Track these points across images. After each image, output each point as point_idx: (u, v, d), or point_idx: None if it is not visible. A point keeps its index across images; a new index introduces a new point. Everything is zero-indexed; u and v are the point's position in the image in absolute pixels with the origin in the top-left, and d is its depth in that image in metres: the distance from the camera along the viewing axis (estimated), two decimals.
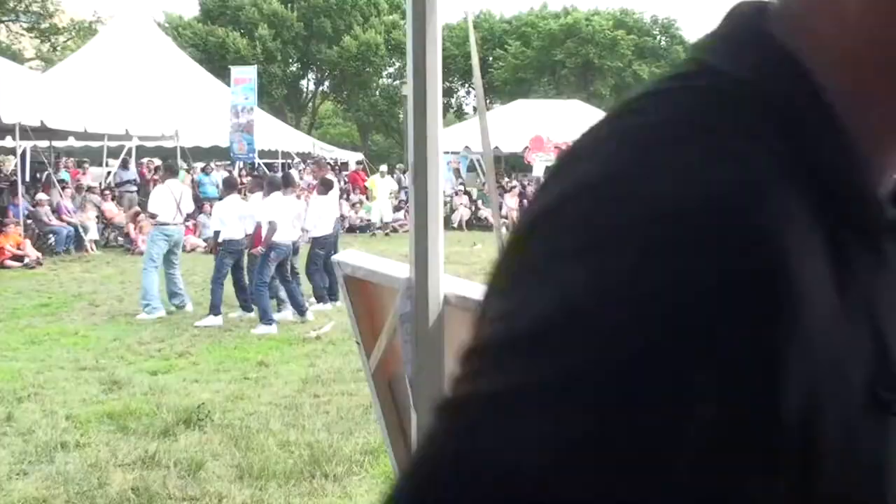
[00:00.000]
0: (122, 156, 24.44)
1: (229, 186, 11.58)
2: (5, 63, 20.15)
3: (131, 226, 18.72)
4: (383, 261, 2.75)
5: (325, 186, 11.76)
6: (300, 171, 25.86)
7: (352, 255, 2.84)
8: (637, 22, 47.65)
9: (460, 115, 51.99)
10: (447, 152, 23.17)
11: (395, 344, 2.55)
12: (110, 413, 6.54)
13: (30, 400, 6.94)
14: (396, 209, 25.41)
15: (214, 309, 10.25)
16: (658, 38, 48.25)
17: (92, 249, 18.25)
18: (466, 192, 26.13)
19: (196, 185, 23.48)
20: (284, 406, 6.79)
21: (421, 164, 2.13)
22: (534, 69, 45.70)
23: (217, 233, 10.76)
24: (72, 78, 25.20)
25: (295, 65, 50.43)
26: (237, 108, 24.40)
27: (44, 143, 21.76)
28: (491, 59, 46.86)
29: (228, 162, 27.39)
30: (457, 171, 27.79)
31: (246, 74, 25.03)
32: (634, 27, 46.50)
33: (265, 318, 9.95)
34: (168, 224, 11.02)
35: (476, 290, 2.28)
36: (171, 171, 11.53)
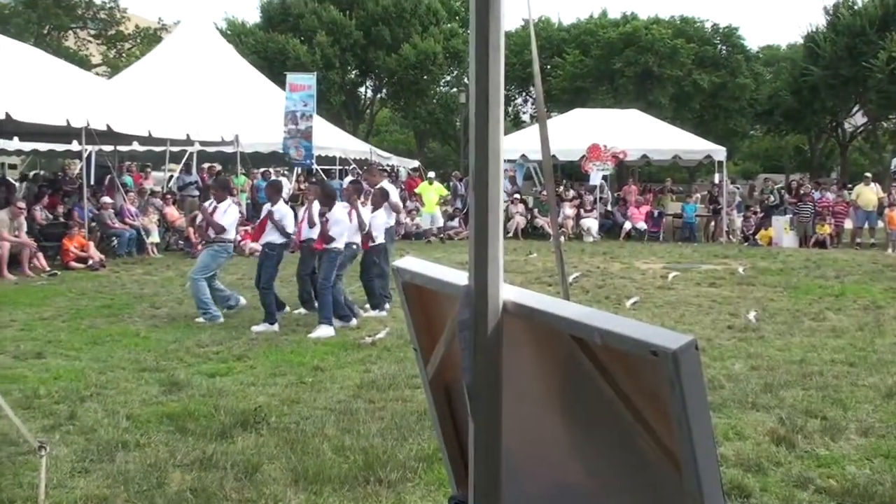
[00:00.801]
0: (184, 160, 24.88)
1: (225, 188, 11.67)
2: (73, 69, 20.65)
3: (191, 230, 19.01)
4: (442, 268, 2.75)
5: (381, 195, 11.88)
6: (357, 177, 26.05)
7: (411, 262, 2.84)
8: (697, 30, 47.12)
9: (517, 123, 51.88)
10: (504, 160, 23.34)
11: (453, 351, 2.54)
12: (170, 414, 6.64)
13: (92, 399, 7.08)
14: (451, 217, 25.43)
15: (270, 317, 10.37)
16: (719, 46, 47.64)
17: (153, 253, 18.60)
18: (522, 201, 26.07)
19: (255, 190, 23.80)
20: (339, 411, 6.83)
21: (482, 172, 2.12)
22: (592, 78, 45.44)
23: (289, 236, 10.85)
24: (137, 84, 25.73)
25: (353, 72, 50.81)
26: (295, 115, 24.62)
27: (109, 148, 22.20)
28: (549, 67, 46.71)
29: (287, 167, 27.71)
30: (513, 179, 27.75)
31: (305, 82, 25.26)
32: (695, 35, 45.98)
33: (325, 319, 10.12)
34: (232, 242, 11.24)
35: (533, 298, 2.27)
36: (227, 189, 11.66)
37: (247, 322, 10.67)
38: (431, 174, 25.96)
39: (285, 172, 27.28)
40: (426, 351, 2.86)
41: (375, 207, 11.68)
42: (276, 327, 10.29)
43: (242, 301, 11.39)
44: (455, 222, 25.19)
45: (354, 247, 10.88)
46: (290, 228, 10.69)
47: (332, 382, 7.81)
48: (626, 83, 43.84)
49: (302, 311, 11.15)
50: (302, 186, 24.44)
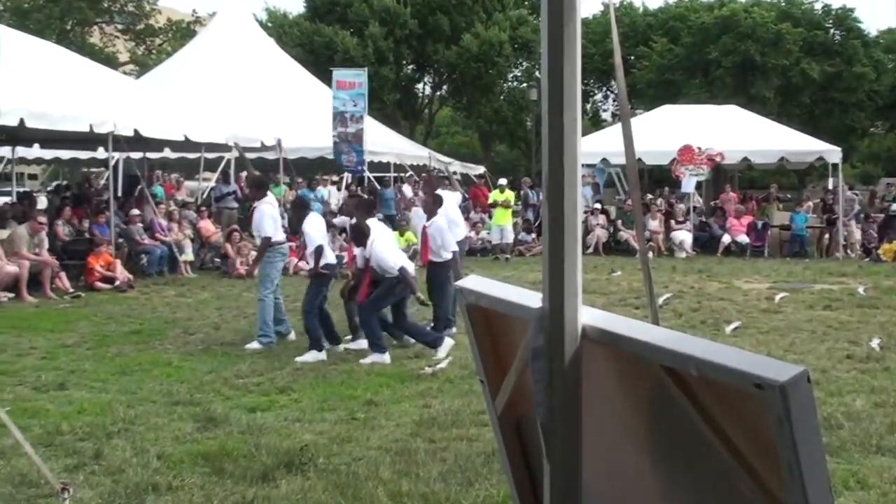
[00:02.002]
0: (220, 167, 25.22)
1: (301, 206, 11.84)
2: (98, 68, 21.15)
3: (228, 246, 19.23)
4: (512, 288, 2.75)
5: (434, 200, 12.03)
6: (413, 185, 26.18)
7: (476, 282, 2.86)
8: (806, 13, 46.53)
9: (596, 122, 51.74)
10: (582, 165, 23.22)
11: (526, 383, 2.54)
12: (205, 453, 6.72)
13: (119, 436, 7.21)
14: (526, 230, 25.36)
15: (315, 344, 10.48)
16: (831, 31, 46.95)
17: (187, 272, 18.84)
18: (603, 211, 25.91)
19: None
20: (396, 451, 6.84)
21: (556, 178, 2.12)
22: (683, 69, 45.12)
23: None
24: (168, 83, 26.21)
25: (409, 67, 51.17)
26: (344, 116, 24.82)
27: (137, 155, 22.64)
28: (633, 58, 46.52)
29: (336, 175, 27.95)
30: (593, 187, 27.62)
31: (354, 78, 25.45)
32: (802, 19, 45.41)
33: (377, 347, 10.23)
34: (283, 243, 11.45)
35: (617, 323, 2.26)
36: (263, 188, 11.90)
37: (291, 351, 10.77)
38: (503, 181, 25.79)
39: (334, 180, 27.56)
40: (494, 383, 2.86)
41: (430, 215, 11.78)
42: (323, 355, 10.38)
43: (292, 336, 11.52)
44: (529, 236, 25.11)
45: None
46: (317, 243, 10.88)
47: (387, 419, 7.83)
48: (722, 75, 43.43)
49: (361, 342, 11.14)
50: (353, 196, 24.69)
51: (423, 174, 29.08)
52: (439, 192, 12.85)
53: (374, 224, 10.90)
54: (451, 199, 13.69)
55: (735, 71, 43.37)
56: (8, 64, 16.09)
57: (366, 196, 20.68)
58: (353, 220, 11.21)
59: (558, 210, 2.10)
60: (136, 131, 17.12)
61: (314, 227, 11.02)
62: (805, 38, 44.17)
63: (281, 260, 11.54)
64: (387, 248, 10.60)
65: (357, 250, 10.87)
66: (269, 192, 12.13)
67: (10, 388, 8.79)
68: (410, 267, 10.78)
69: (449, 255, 11.47)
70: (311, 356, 10.34)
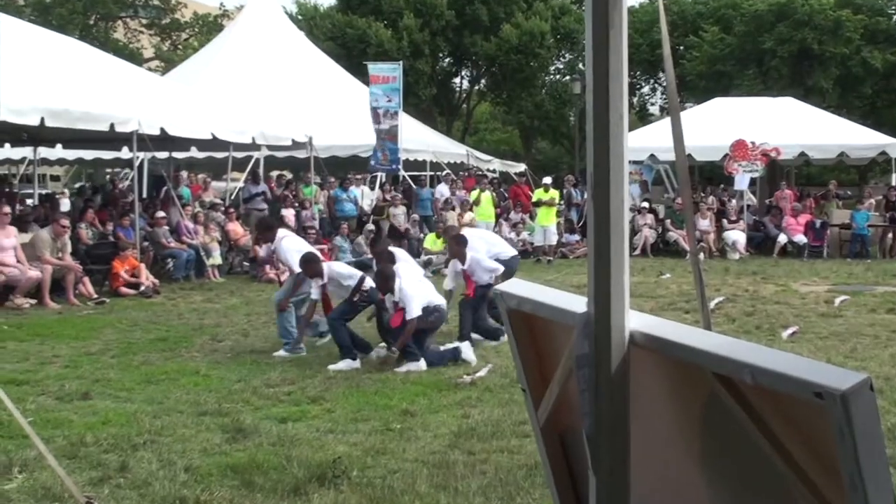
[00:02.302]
0: (249, 167, 25.38)
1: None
2: (122, 64, 21.38)
3: (257, 249, 19.32)
4: (555, 292, 2.75)
5: (456, 242, 12.29)
6: (451, 184, 26.21)
7: (518, 286, 2.85)
8: None
9: (643, 116, 51.56)
10: (629, 161, 23.20)
11: (570, 392, 2.54)
12: (234, 465, 6.77)
13: (145, 448, 7.27)
14: (569, 231, 25.29)
15: (347, 352, 10.54)
16: (894, 17, 46.39)
17: (214, 276, 18.97)
18: (651, 210, 25.81)
19: (332, 201, 24.12)
20: (433, 464, 6.85)
21: (602, 175, 2.12)
22: (736, 59, 44.76)
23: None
24: (195, 79, 26.44)
25: (446, 60, 51.25)
26: (377, 112, 24.90)
27: (163, 154, 22.82)
28: (682, 48, 46.25)
29: (369, 174, 28.04)
30: (643, 185, 27.52)
31: (389, 72, 25.55)
32: (864, 5, 44.88)
33: (410, 354, 10.32)
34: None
35: (666, 328, 2.25)
36: (271, 229, 12.21)
37: (324, 359, 10.82)
38: (547, 180, 25.65)
39: (368, 179, 27.65)
40: (537, 392, 2.86)
41: (462, 258, 11.93)
42: (356, 363, 10.43)
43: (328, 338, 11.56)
44: (573, 237, 25.03)
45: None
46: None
47: (424, 429, 7.84)
48: (778, 65, 43.04)
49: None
50: (388, 197, 24.74)
51: (461, 172, 29.10)
52: (462, 232, 13.03)
53: (399, 263, 11.23)
54: (476, 233, 13.74)
55: (791, 61, 42.95)
56: (29, 61, 16.33)
57: (375, 231, 20.94)
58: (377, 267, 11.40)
59: (604, 209, 2.09)
60: (161, 130, 17.28)
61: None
62: (866, 26, 43.66)
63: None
64: (413, 289, 10.72)
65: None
66: (279, 229, 12.27)
67: (32, 398, 8.88)
68: (436, 297, 10.92)
69: (488, 279, 11.55)
70: (345, 364, 10.39)
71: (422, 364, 10.30)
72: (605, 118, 2.05)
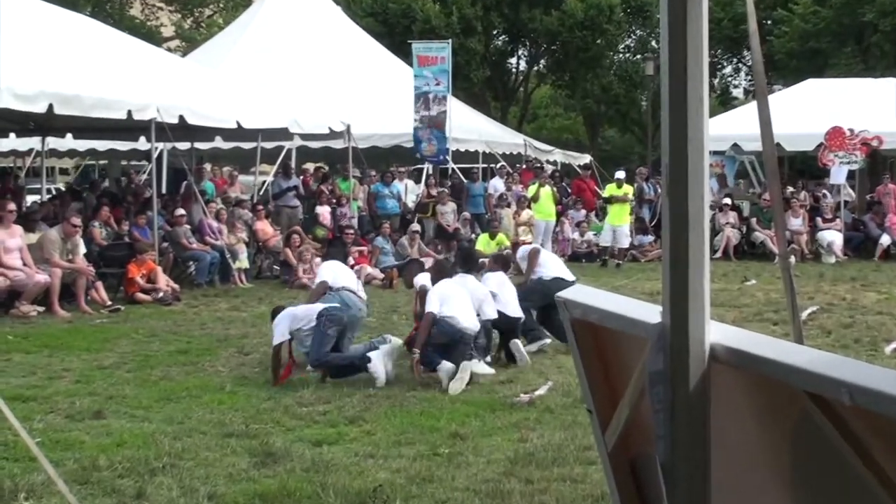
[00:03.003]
0: (280, 159, 25.47)
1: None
2: (139, 44, 21.56)
3: (289, 251, 19.39)
4: (625, 300, 2.75)
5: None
6: (506, 178, 26.17)
7: (583, 293, 2.86)
8: None
9: (725, 100, 51.19)
10: (709, 152, 23.08)
11: (642, 413, 2.53)
12: (263, 493, 6.81)
13: (165, 473, 7.33)
14: (641, 231, 25.14)
15: (360, 363, 10.57)
16: None
17: (241, 281, 19.05)
18: (734, 207, 25.62)
19: (372, 197, 24.16)
20: (486, 493, 6.84)
21: (679, 169, 2.11)
22: (831, 35, 44.27)
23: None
24: (219, 61, 26.62)
25: (501, 37, 51.20)
26: (427, 97, 24.88)
27: (184, 145, 22.98)
28: (769, 23, 45.84)
29: (413, 166, 28.07)
30: (721, 179, 27.31)
31: (437, 52, 25.55)
32: None
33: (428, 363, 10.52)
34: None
35: (752, 341, 2.24)
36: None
37: (363, 375, 10.82)
38: (620, 174, 25.15)
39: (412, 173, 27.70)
40: (604, 413, 2.85)
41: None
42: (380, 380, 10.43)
43: (391, 340, 11.52)
44: (645, 238, 24.87)
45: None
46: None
47: (475, 455, 7.84)
48: (879, 41, 42.52)
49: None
50: (433, 192, 24.66)
51: (519, 165, 29.04)
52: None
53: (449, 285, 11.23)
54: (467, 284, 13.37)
55: (895, 36, 42.44)
56: (36, 40, 16.44)
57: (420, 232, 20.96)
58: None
59: (682, 207, 2.09)
60: (181, 118, 17.41)
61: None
62: None
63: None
64: (444, 295, 10.83)
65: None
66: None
67: (40, 417, 8.97)
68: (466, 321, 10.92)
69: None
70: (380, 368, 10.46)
71: (488, 367, 10.65)
72: (683, 103, 2.04)
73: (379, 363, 10.39)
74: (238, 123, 18.65)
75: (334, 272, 11.94)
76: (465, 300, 10.88)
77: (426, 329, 10.47)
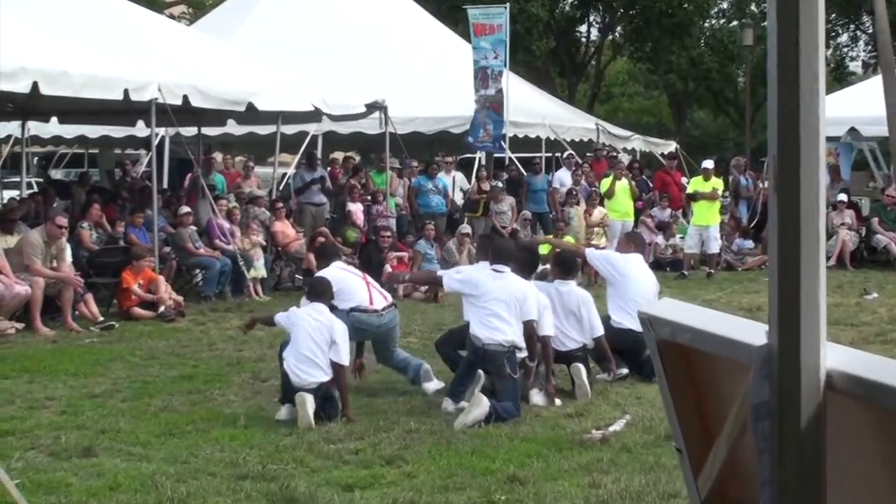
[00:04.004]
0: (303, 147, 25.46)
1: None
2: (138, 12, 21.67)
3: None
4: (722, 317, 2.74)
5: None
6: (574, 170, 26.06)
7: (671, 308, 2.85)
8: None
9: (841, 77, 50.81)
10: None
11: (742, 453, 2.53)
12: None
13: None
14: (741, 235, 24.98)
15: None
16: None
17: (257, 293, 19.05)
18: (852, 205, 25.44)
19: (413, 193, 24.09)
20: None
21: (789, 159, 2.10)
22: None
23: None
24: (232, 31, 26.73)
25: (570, 2, 51.13)
26: (485, 72, 24.74)
27: (190, 131, 23.08)
28: None
29: (462, 155, 28.01)
30: (834, 171, 27.12)
31: (493, 20, 25.48)
32: None
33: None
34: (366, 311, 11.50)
35: (877, 367, 2.23)
36: (328, 257, 12.32)
37: (401, 405, 10.82)
38: (708, 163, 24.60)
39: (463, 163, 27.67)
40: (697, 453, 2.85)
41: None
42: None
43: (434, 383, 11.52)
44: (744, 242, 24.69)
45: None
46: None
47: (537, 503, 7.83)
48: None
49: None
50: (485, 186, 24.55)
51: (590, 154, 28.94)
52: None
53: None
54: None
55: None
56: (18, 9, 16.50)
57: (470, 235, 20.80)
58: None
59: (793, 206, 2.07)
60: (185, 98, 17.47)
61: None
62: None
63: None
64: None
65: None
66: (334, 260, 12.20)
67: (19, 454, 9.02)
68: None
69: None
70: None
71: (541, 398, 10.79)
72: (795, 80, 2.03)
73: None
74: (252, 105, 18.65)
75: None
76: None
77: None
